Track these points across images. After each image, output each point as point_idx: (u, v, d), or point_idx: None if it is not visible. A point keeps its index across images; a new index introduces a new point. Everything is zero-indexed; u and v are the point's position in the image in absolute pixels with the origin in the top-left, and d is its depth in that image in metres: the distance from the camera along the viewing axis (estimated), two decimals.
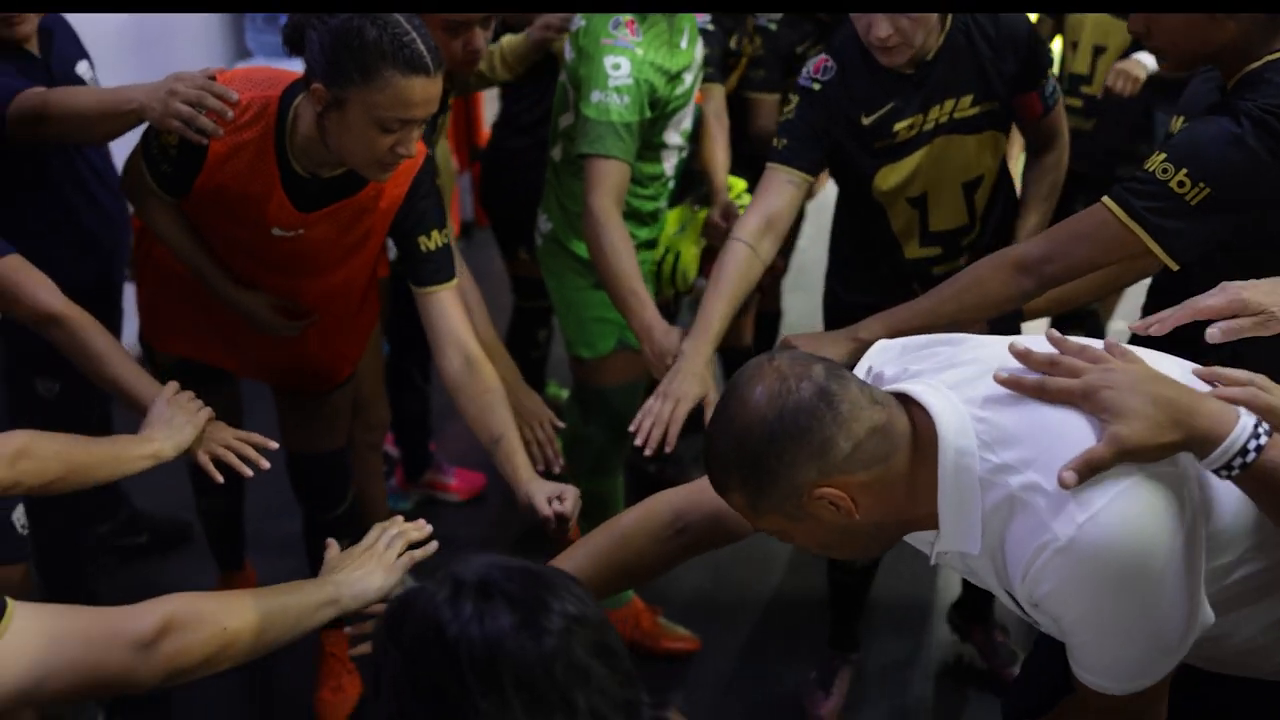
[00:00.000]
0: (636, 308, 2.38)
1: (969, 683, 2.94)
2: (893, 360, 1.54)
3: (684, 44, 2.59)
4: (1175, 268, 1.86)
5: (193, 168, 2.13)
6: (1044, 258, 1.97)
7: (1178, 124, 2.01)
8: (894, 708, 2.88)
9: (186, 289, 2.37)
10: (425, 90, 1.98)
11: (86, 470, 1.79)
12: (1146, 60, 3.12)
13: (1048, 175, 2.48)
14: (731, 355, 3.81)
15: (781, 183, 2.32)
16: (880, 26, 2.18)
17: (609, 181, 2.44)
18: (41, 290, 2.02)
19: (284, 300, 2.35)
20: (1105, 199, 1.89)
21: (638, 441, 2.12)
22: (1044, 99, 2.39)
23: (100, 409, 2.90)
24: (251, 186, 2.14)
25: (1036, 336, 1.46)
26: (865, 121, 2.32)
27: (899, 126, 2.33)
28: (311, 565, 2.59)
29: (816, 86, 2.33)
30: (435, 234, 2.25)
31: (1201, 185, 1.80)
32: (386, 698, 1.08)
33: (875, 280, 2.49)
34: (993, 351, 1.46)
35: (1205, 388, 1.37)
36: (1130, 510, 1.29)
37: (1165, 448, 1.30)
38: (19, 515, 2.18)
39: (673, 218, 2.84)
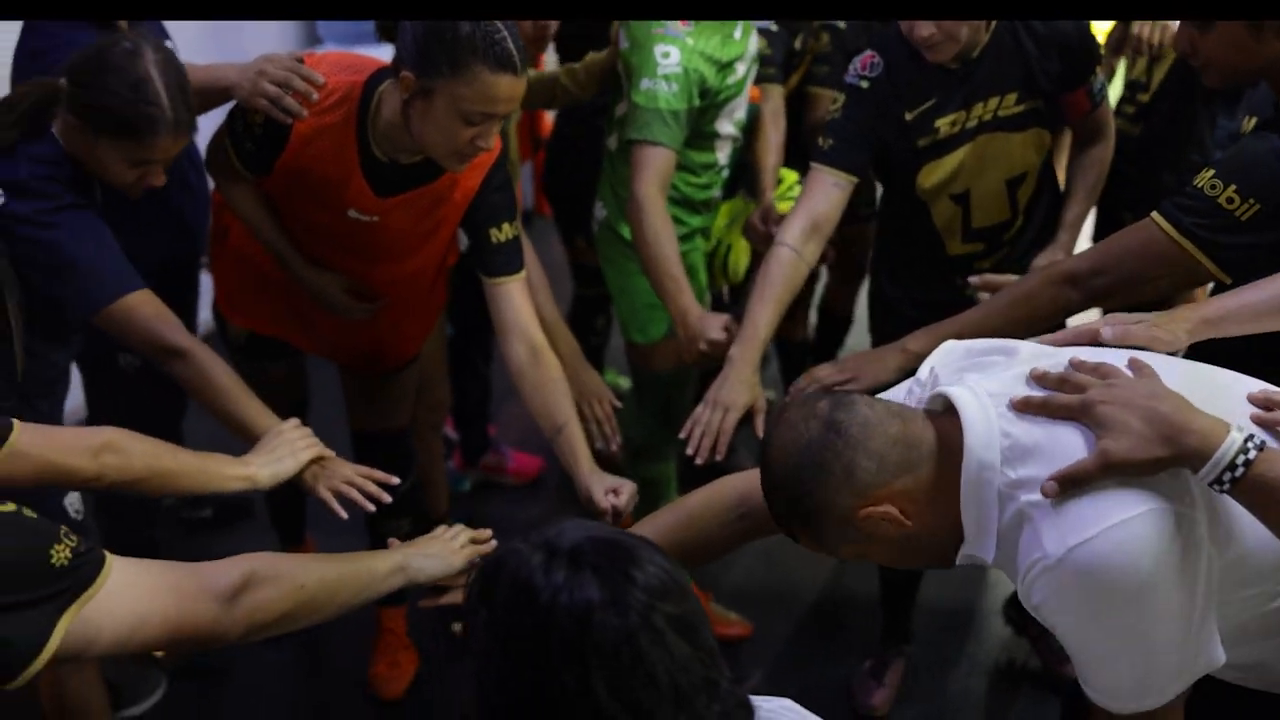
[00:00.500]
0: (674, 291, 2.41)
1: (1023, 679, 2.94)
2: (955, 362, 1.57)
3: (737, 34, 2.60)
4: (1228, 281, 1.86)
5: (276, 147, 2.19)
6: (1092, 271, 1.98)
7: (1249, 124, 2.00)
8: (946, 701, 2.89)
9: (262, 266, 2.42)
10: (511, 88, 2.02)
11: (172, 478, 1.82)
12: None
13: (1093, 168, 2.47)
14: (788, 349, 3.83)
15: (827, 185, 2.33)
16: (922, 25, 2.19)
17: (654, 167, 2.46)
18: (168, 326, 2.06)
19: (356, 283, 2.40)
20: (1154, 215, 1.90)
21: (689, 451, 2.14)
22: (1091, 96, 2.39)
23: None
24: (332, 169, 2.19)
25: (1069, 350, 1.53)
26: (908, 118, 2.33)
27: (941, 123, 2.33)
28: (371, 542, 2.65)
29: (864, 84, 2.34)
30: (506, 226, 2.29)
31: (1251, 201, 1.80)
32: (474, 652, 1.11)
33: (919, 276, 2.50)
34: (1034, 361, 1.50)
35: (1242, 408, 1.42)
36: (1124, 541, 1.31)
37: (1153, 463, 1.32)
38: (73, 500, 2.22)
39: (725, 210, 2.86)
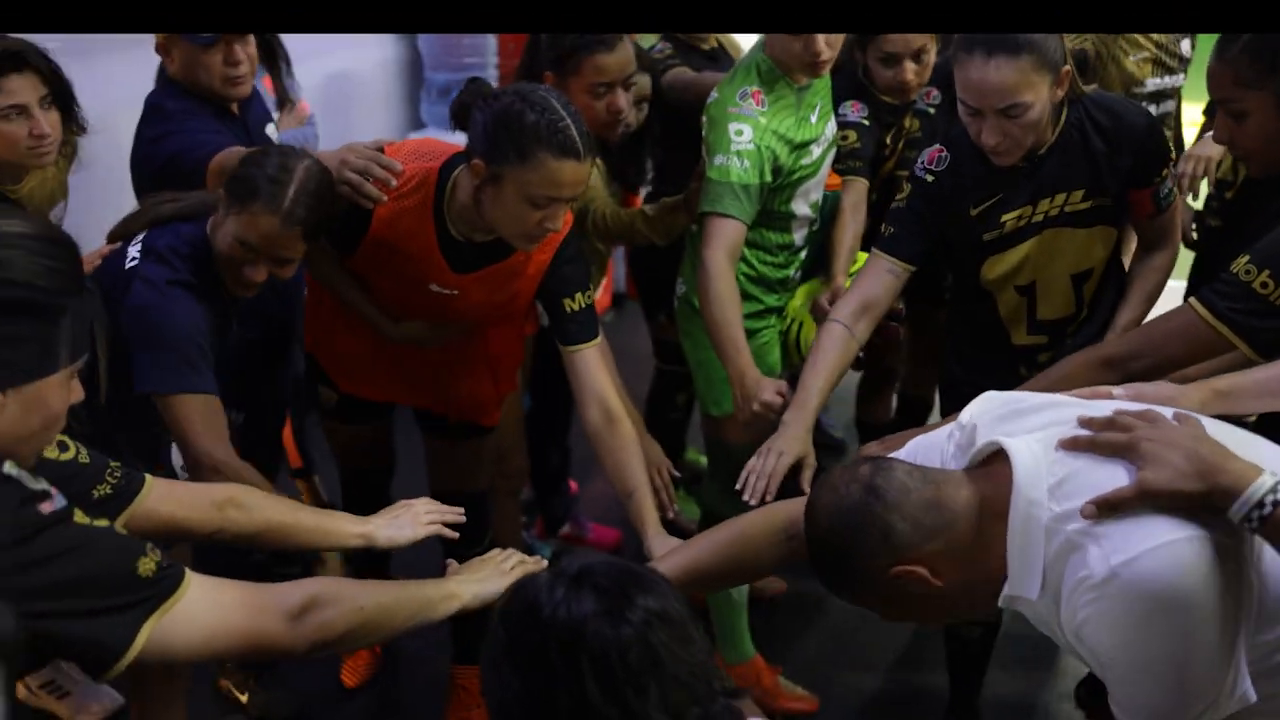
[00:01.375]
0: (732, 354, 2.49)
1: None
2: (994, 409, 1.65)
3: (814, 119, 2.69)
4: (1261, 361, 1.90)
5: (359, 228, 2.34)
6: (1130, 355, 2.04)
7: None
8: None
9: (353, 331, 2.58)
10: (575, 173, 2.15)
11: (291, 533, 1.89)
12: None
13: (1153, 275, 2.49)
14: (869, 430, 3.85)
15: (882, 270, 2.42)
16: (988, 134, 2.26)
17: (724, 237, 2.54)
18: (209, 438, 2.14)
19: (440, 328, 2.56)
20: (1192, 300, 1.97)
21: (745, 497, 2.22)
22: (1156, 199, 2.42)
23: (275, 439, 3.13)
24: (412, 247, 2.33)
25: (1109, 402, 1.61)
26: (974, 212, 2.39)
27: (1007, 218, 2.39)
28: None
29: (930, 178, 2.41)
30: (579, 296, 2.41)
31: None
32: (487, 667, 1.24)
33: (985, 364, 2.54)
34: (1075, 412, 1.58)
35: None
36: (1168, 561, 1.38)
37: (1188, 495, 1.40)
38: (176, 457, 2.32)
39: (803, 291, 2.93)
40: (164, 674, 2.47)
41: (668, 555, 1.92)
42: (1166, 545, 1.39)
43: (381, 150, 2.31)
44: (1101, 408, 1.58)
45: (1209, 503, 1.41)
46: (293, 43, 2.98)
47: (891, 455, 1.68)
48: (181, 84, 2.63)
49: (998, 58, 2.17)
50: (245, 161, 2.25)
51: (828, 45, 2.54)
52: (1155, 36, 3.72)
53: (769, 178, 2.61)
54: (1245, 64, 1.97)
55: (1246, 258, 1.91)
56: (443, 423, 2.80)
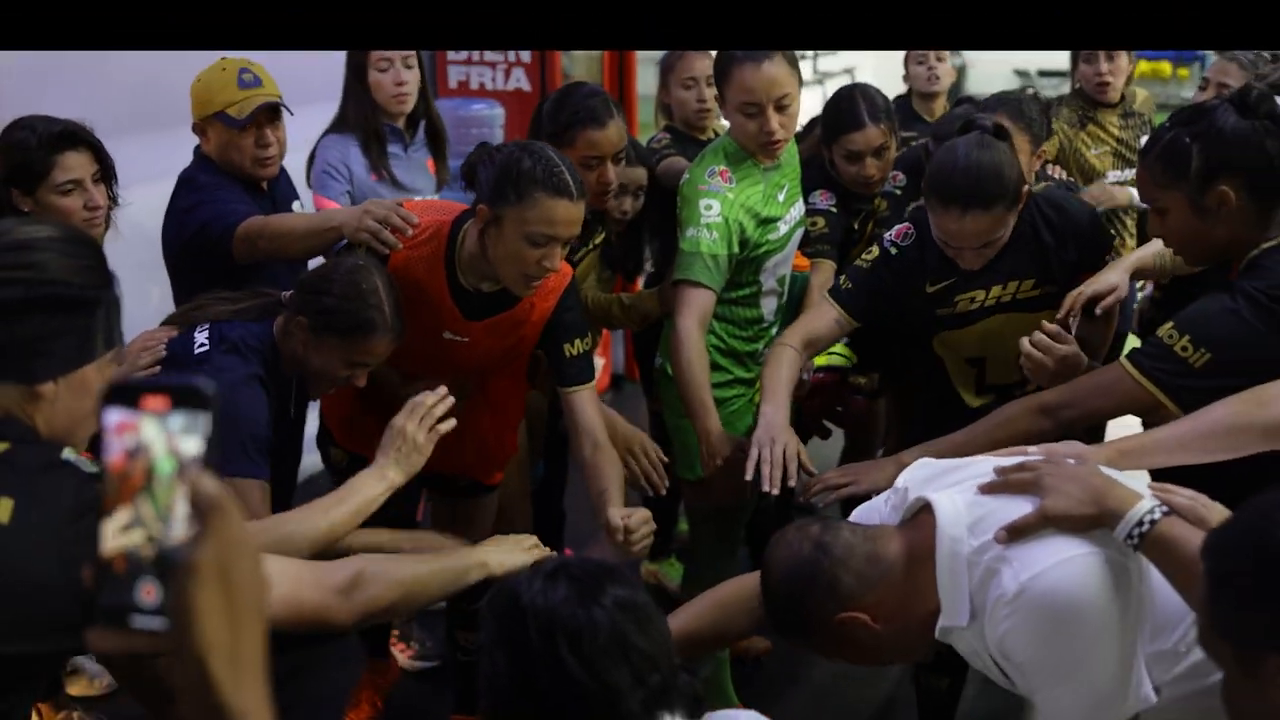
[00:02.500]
0: (701, 414, 2.72)
1: None
2: (922, 475, 1.92)
3: (780, 198, 2.92)
4: (1182, 415, 2.10)
5: None
6: (1064, 404, 2.25)
7: None
8: None
9: (361, 392, 2.74)
10: (568, 211, 2.39)
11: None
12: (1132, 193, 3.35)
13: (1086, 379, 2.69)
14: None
15: (830, 317, 2.68)
16: (968, 261, 2.51)
17: (695, 305, 2.76)
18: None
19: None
20: (1122, 359, 2.19)
21: (764, 487, 2.43)
22: None
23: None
24: (425, 294, 2.56)
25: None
26: (930, 289, 2.62)
27: (960, 299, 2.61)
28: (450, 648, 2.90)
29: (894, 250, 2.65)
30: (578, 342, 2.64)
31: (1203, 351, 2.08)
32: (481, 655, 1.43)
33: (947, 426, 2.63)
34: (992, 465, 1.86)
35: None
36: (1068, 573, 1.63)
37: (1083, 518, 1.66)
38: None
39: None
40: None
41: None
42: (1066, 560, 1.63)
43: (400, 205, 2.56)
44: (1013, 460, 1.84)
45: (1100, 524, 1.65)
46: (308, 132, 3.28)
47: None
48: (215, 162, 2.89)
49: (973, 213, 2.43)
50: (314, 289, 2.39)
51: (780, 127, 2.77)
52: (1116, 132, 4.01)
53: (736, 249, 2.82)
54: (1159, 168, 2.17)
55: (1170, 324, 2.13)
56: (447, 481, 2.97)
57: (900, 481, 1.94)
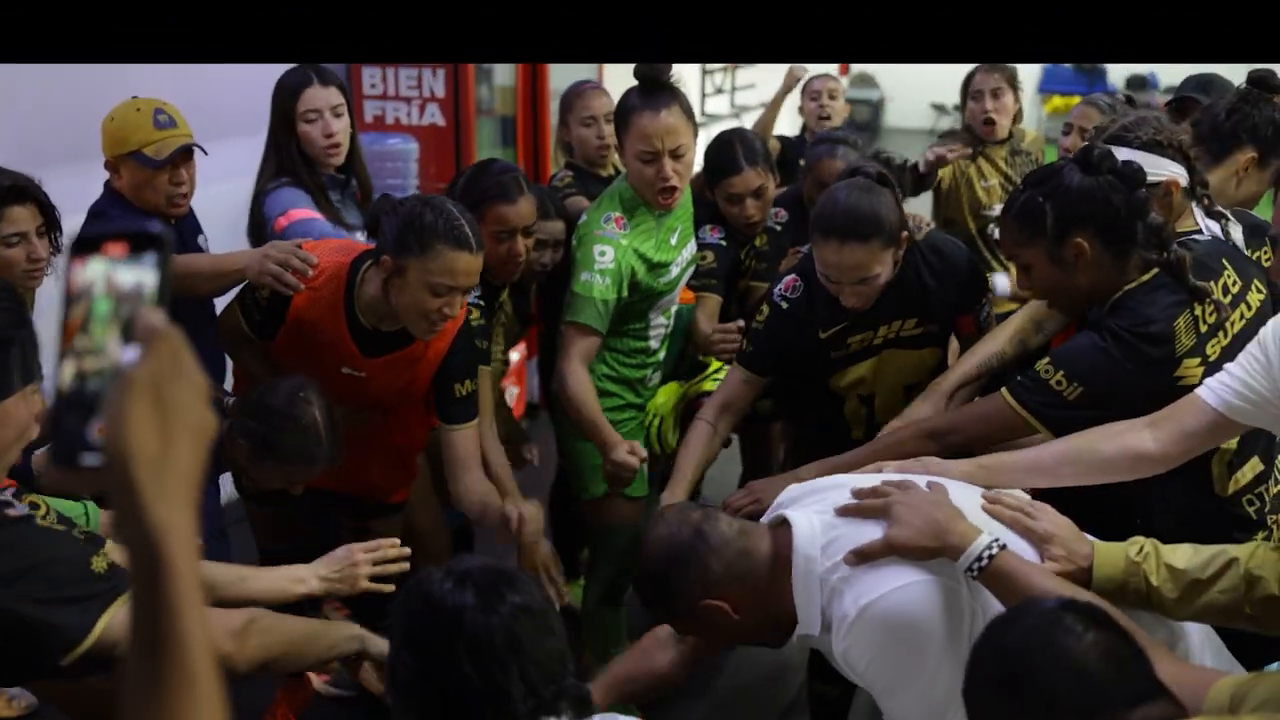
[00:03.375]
0: (594, 429, 2.92)
1: None
2: (794, 494, 2.09)
3: (673, 241, 3.09)
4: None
5: (278, 316, 2.69)
6: (950, 430, 2.42)
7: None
8: None
9: None
10: (468, 263, 2.52)
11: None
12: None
13: (976, 354, 2.80)
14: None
15: (737, 379, 2.86)
16: (847, 298, 2.65)
17: (580, 346, 2.95)
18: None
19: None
20: (1004, 391, 2.35)
21: None
22: (978, 321, 2.85)
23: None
24: (326, 333, 2.67)
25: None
26: (823, 335, 2.79)
27: (851, 340, 2.79)
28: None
29: (785, 304, 2.81)
30: (467, 383, 2.78)
31: (1075, 384, 2.24)
32: (390, 647, 1.56)
33: (826, 444, 2.85)
34: (855, 484, 2.02)
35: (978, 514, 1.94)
36: (902, 599, 1.80)
37: (925, 550, 1.82)
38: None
39: (663, 391, 3.32)
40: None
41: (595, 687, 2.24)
42: (901, 588, 1.79)
43: (300, 247, 2.67)
44: (872, 480, 2.01)
45: (941, 555, 1.81)
46: (207, 167, 3.36)
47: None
48: (127, 197, 2.98)
49: (850, 244, 2.57)
50: (257, 416, 2.48)
51: (675, 174, 2.94)
52: (1002, 167, 4.23)
53: (626, 293, 2.99)
54: (1017, 228, 2.34)
55: (1047, 360, 2.30)
56: (355, 502, 3.10)
57: (775, 501, 2.12)
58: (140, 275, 0.95)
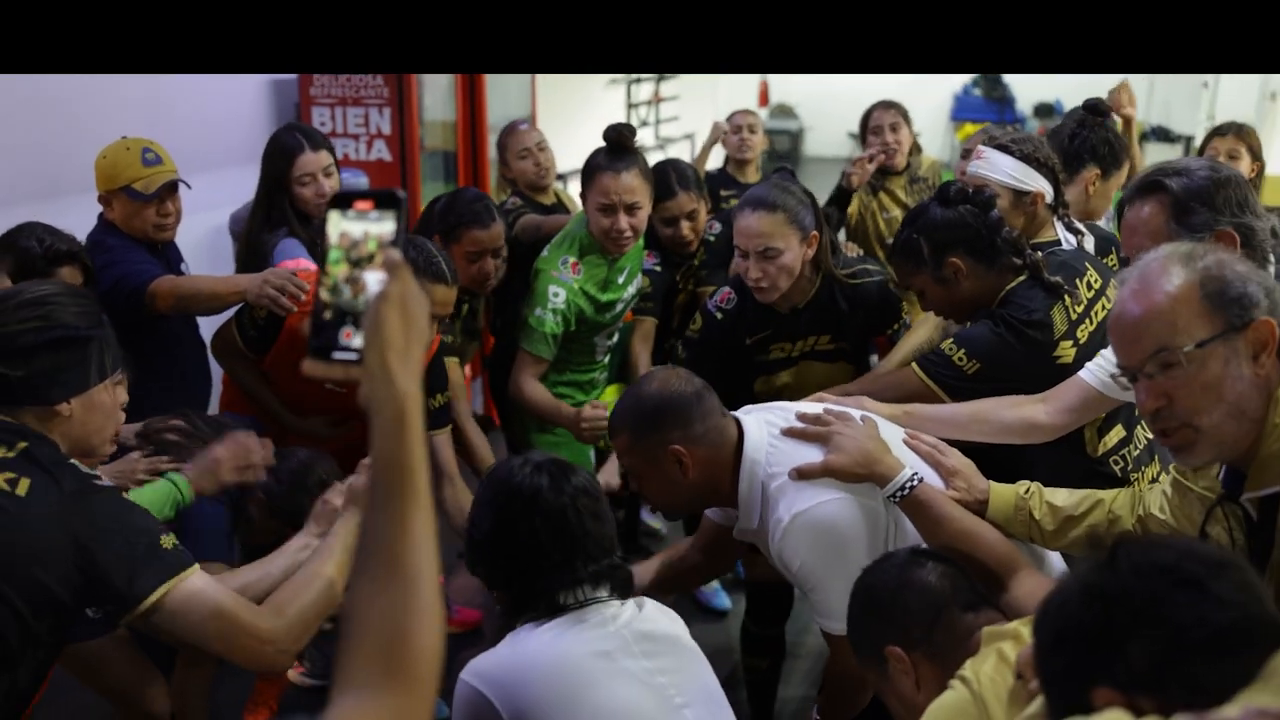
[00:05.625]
0: (555, 414, 3.34)
1: None
2: (749, 409, 2.43)
3: (621, 279, 3.49)
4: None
5: (272, 334, 3.01)
6: (869, 395, 2.75)
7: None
8: None
9: (259, 423, 3.18)
10: (445, 295, 2.89)
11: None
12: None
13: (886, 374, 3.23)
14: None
15: None
16: (752, 271, 2.98)
17: (532, 367, 3.39)
18: None
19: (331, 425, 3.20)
20: (913, 364, 2.75)
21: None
22: (889, 339, 3.26)
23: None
24: None
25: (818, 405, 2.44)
26: (749, 341, 3.17)
27: (773, 349, 3.18)
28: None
29: (719, 315, 3.19)
30: (439, 396, 3.15)
31: (974, 361, 2.66)
32: (472, 514, 1.97)
33: None
34: (800, 409, 2.38)
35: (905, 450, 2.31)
36: (828, 510, 2.16)
37: (856, 475, 2.17)
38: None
39: (610, 392, 3.75)
40: (192, 659, 2.92)
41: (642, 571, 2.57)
42: (826, 501, 2.16)
43: (295, 274, 3.00)
44: (815, 408, 2.36)
45: (869, 481, 2.17)
46: (195, 198, 3.66)
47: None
48: (119, 227, 3.31)
49: (759, 211, 2.95)
50: (278, 477, 2.71)
51: (629, 227, 3.32)
52: (902, 198, 4.66)
53: (573, 327, 3.41)
54: (901, 261, 2.79)
55: (951, 340, 2.71)
56: None
57: (741, 412, 2.42)
58: (383, 224, 1.25)
